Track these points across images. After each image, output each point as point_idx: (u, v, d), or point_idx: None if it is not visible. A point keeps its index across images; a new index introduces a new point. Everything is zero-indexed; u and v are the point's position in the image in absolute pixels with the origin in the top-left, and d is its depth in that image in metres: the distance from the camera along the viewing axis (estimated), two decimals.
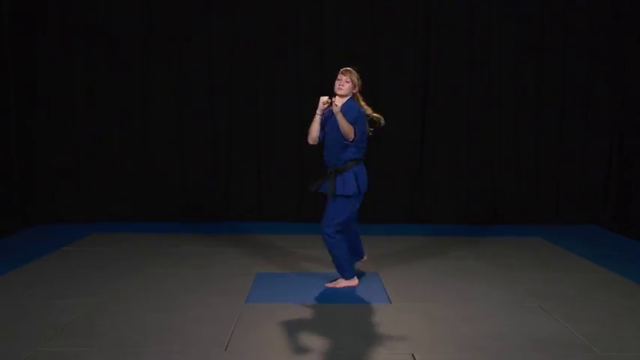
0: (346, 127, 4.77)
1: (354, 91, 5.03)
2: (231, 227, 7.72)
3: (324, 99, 4.88)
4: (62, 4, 7.80)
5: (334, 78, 5.05)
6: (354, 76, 5.01)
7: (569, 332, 4.19)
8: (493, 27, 8.05)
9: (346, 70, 5.03)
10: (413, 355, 3.79)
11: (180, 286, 5.20)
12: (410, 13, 8.01)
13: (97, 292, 4.99)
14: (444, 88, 8.07)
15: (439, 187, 8.14)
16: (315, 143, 5.11)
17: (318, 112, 4.95)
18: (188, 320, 4.35)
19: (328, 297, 4.96)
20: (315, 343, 3.98)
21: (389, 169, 7.88)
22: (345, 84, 4.97)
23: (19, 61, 7.38)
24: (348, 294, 5.05)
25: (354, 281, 5.22)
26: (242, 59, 8.03)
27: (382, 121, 5.05)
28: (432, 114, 8.10)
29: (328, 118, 4.99)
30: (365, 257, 5.54)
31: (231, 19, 8.01)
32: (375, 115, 5.06)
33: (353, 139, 4.85)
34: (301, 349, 3.88)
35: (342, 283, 5.20)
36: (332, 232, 4.98)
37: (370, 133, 5.08)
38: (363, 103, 5.08)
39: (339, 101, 4.87)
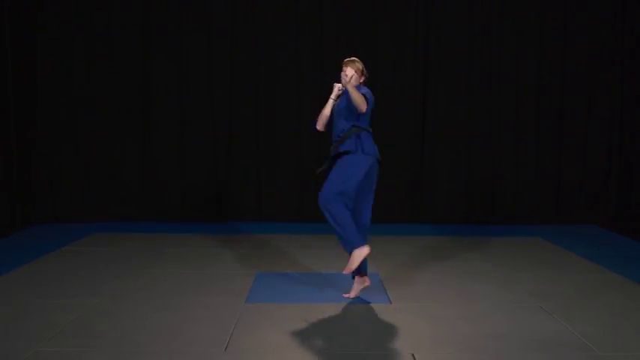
0: (358, 98, 4.52)
1: (361, 81, 4.85)
2: (231, 227, 7.72)
3: (339, 85, 4.79)
4: (62, 4, 7.80)
5: (339, 72, 4.94)
6: (359, 64, 4.83)
7: (569, 332, 4.19)
8: (493, 27, 8.05)
9: (350, 60, 4.86)
10: (413, 355, 3.79)
11: (181, 286, 5.20)
12: (410, 13, 8.01)
13: (97, 292, 4.98)
14: (444, 89, 8.07)
15: (439, 187, 8.14)
16: (323, 130, 4.94)
17: (333, 97, 4.83)
18: (188, 320, 4.35)
19: (328, 297, 4.95)
20: (315, 343, 3.98)
21: (389, 168, 7.82)
22: (352, 73, 4.76)
23: (19, 61, 7.38)
24: None
25: (365, 249, 4.57)
26: (242, 59, 8.04)
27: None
28: (431, 114, 8.10)
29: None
30: (367, 279, 4.95)
31: (231, 18, 8.01)
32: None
33: (365, 111, 4.58)
34: (301, 350, 3.87)
35: (353, 263, 4.57)
36: (329, 195, 4.55)
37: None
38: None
39: (350, 72, 4.68)
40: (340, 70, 4.90)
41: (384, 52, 8.02)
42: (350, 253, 4.60)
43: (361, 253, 4.56)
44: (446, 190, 8.14)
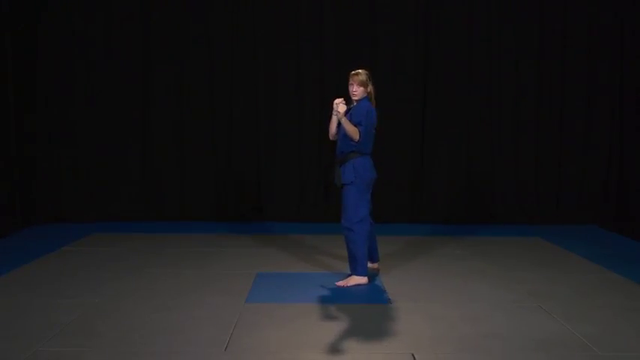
0: (350, 130, 5.02)
1: (367, 91, 5.19)
2: (232, 227, 7.72)
3: (337, 101, 5.08)
4: (63, 4, 7.80)
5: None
6: (364, 76, 5.16)
7: (569, 332, 4.19)
8: (493, 27, 8.05)
9: (355, 73, 5.18)
10: (413, 355, 3.79)
11: (180, 286, 5.21)
12: (410, 13, 8.01)
13: (97, 292, 4.99)
14: (444, 89, 8.07)
15: (439, 187, 8.14)
16: (334, 139, 5.36)
17: (334, 113, 5.14)
18: (188, 320, 4.35)
19: (328, 297, 4.96)
20: (315, 343, 3.98)
21: (389, 168, 7.86)
22: (358, 89, 5.14)
23: (19, 60, 7.38)
24: (349, 294, 5.05)
25: (364, 279, 5.24)
26: (242, 59, 8.03)
27: None
28: (432, 114, 8.09)
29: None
30: (377, 265, 5.62)
31: (231, 18, 8.01)
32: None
33: (358, 140, 5.05)
34: (301, 350, 3.87)
35: (352, 280, 5.23)
36: (349, 224, 5.14)
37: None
38: (374, 102, 5.26)
39: (341, 108, 5.03)
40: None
41: (385, 51, 8.02)
42: (353, 272, 5.26)
43: (361, 280, 5.23)
44: (446, 190, 8.13)
